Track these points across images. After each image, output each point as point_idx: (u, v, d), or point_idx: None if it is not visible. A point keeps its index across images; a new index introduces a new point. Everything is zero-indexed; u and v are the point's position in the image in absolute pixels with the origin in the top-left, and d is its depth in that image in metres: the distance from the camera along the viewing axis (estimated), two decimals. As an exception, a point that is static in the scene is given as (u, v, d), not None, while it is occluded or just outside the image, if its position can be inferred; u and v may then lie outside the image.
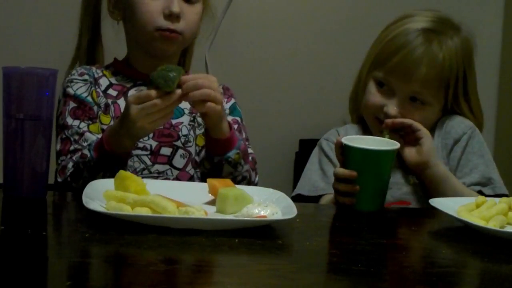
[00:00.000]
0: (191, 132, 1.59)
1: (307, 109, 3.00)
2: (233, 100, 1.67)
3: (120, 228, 1.07)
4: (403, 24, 1.62)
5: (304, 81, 2.75)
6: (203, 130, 1.61)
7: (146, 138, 1.53)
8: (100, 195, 1.18)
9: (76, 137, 1.51)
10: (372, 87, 1.63)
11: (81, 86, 1.56)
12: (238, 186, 1.31)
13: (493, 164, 1.61)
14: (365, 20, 2.48)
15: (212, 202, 1.26)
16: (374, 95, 1.62)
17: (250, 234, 1.09)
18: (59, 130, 1.54)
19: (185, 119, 1.60)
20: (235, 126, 1.61)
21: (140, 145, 1.53)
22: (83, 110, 1.54)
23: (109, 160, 1.40)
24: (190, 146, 1.58)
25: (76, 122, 1.52)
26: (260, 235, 1.09)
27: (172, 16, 1.53)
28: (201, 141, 1.59)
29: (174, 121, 1.58)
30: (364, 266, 1.01)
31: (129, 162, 1.50)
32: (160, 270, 0.92)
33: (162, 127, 1.56)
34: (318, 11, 2.78)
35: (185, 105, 1.59)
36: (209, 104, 1.37)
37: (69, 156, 1.49)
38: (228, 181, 1.33)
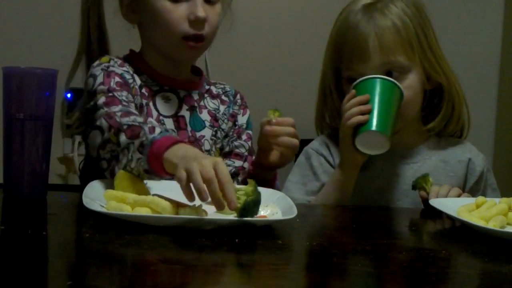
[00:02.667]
0: (213, 148, 1.57)
1: (307, 109, 3.00)
2: (248, 112, 1.65)
3: (120, 228, 1.07)
4: (342, 14, 1.58)
5: (304, 81, 2.74)
6: (220, 144, 1.60)
7: (165, 177, 1.48)
8: (100, 195, 1.18)
9: (125, 99, 1.40)
10: (347, 88, 1.55)
11: (125, 73, 1.48)
12: (238, 186, 1.30)
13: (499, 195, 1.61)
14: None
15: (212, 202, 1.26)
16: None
17: (250, 234, 1.09)
18: (99, 95, 1.40)
19: (207, 132, 1.57)
20: (249, 142, 1.61)
21: (159, 179, 1.48)
22: (128, 88, 1.45)
23: (156, 160, 1.25)
24: None
25: (124, 93, 1.42)
26: (260, 235, 1.09)
27: (198, 21, 1.48)
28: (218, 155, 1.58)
29: (197, 134, 1.55)
30: (364, 266, 1.01)
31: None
32: (160, 270, 0.92)
33: (186, 140, 1.51)
34: (318, 11, 2.78)
35: (205, 117, 1.57)
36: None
37: (120, 113, 1.34)
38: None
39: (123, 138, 1.30)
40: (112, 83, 1.42)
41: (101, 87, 1.41)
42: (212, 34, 1.53)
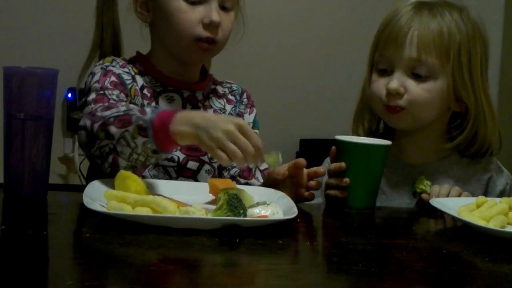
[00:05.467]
0: None
1: (308, 109, 3.00)
2: (255, 111, 1.64)
3: (120, 228, 1.07)
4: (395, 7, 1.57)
5: (305, 82, 2.75)
6: None
7: (174, 149, 1.46)
8: (101, 195, 1.18)
9: (115, 98, 1.41)
10: (374, 76, 1.55)
11: (124, 74, 1.50)
12: (239, 186, 1.31)
13: None
14: (366, 21, 2.49)
15: (212, 202, 1.26)
16: (376, 82, 1.54)
17: (251, 234, 1.09)
18: (91, 92, 1.43)
19: None
20: None
21: (168, 156, 1.49)
22: (123, 88, 1.46)
23: (163, 136, 1.25)
24: (216, 162, 1.54)
25: (116, 92, 1.44)
26: (261, 235, 1.09)
27: (211, 26, 1.47)
28: None
29: None
30: (364, 266, 1.01)
31: (154, 172, 1.47)
32: (160, 270, 0.92)
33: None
34: (318, 12, 2.78)
35: None
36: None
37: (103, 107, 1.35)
38: (229, 181, 1.33)
39: (113, 130, 1.28)
40: (106, 82, 1.44)
41: (96, 84, 1.44)
42: (224, 40, 1.53)
